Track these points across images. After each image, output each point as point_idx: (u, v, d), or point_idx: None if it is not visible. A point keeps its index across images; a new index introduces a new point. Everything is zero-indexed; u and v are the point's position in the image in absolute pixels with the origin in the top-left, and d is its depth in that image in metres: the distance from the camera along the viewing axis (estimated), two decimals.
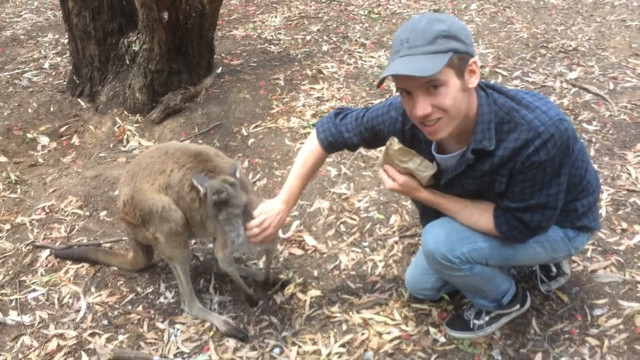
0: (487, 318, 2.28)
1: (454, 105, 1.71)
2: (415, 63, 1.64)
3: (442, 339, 2.32)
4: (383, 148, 2.01)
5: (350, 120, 2.19)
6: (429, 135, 1.80)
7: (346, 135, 2.18)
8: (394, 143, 1.92)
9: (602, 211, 2.88)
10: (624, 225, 2.79)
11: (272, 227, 2.18)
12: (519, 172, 1.79)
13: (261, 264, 2.80)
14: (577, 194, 1.99)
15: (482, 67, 4.45)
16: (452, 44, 1.64)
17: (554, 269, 2.43)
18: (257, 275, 2.70)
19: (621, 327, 2.29)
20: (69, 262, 2.91)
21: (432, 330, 2.36)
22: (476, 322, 2.28)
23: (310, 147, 2.26)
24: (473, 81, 1.73)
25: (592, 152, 3.34)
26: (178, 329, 2.50)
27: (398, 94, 1.87)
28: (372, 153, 3.54)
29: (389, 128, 2.06)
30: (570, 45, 4.72)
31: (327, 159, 3.48)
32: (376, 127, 2.10)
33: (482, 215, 1.96)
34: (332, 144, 2.22)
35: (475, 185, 1.92)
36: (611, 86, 4.03)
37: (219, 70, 4.54)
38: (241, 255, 2.80)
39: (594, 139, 3.47)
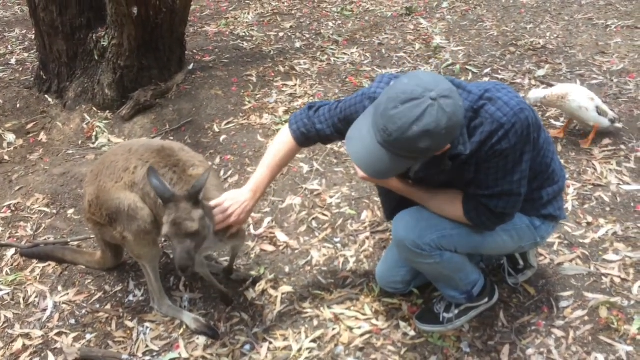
0: (456, 311, 2.31)
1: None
2: (384, 164, 1.73)
3: (412, 333, 2.34)
4: None
5: (323, 112, 2.17)
6: None
7: (319, 127, 2.17)
8: None
9: (569, 205, 2.94)
10: (590, 219, 2.85)
11: (236, 214, 2.13)
12: (484, 161, 1.85)
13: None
14: (543, 182, 2.04)
15: (452, 64, 4.50)
16: (425, 155, 1.74)
17: (521, 262, 2.47)
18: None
19: (586, 318, 2.34)
20: (35, 261, 2.85)
21: (402, 324, 2.38)
22: (446, 315, 2.31)
23: (282, 139, 2.24)
24: (437, 154, 1.80)
25: (559, 148, 3.40)
26: (147, 327, 2.47)
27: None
28: (344, 149, 3.55)
29: None
30: (539, 43, 4.80)
31: (299, 155, 3.49)
32: (350, 117, 2.08)
33: (451, 203, 2.00)
34: (305, 136, 2.19)
35: (445, 177, 1.97)
36: (578, 83, 4.11)
37: (190, 67, 4.50)
38: (212, 253, 2.78)
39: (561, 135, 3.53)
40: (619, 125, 3.43)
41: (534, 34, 5.03)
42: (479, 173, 1.89)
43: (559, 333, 2.29)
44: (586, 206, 2.94)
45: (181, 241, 1.96)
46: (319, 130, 2.17)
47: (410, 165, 1.79)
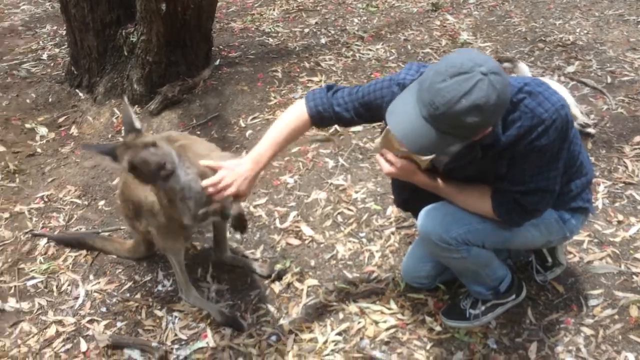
0: (483, 308, 2.30)
1: None
2: (426, 140, 1.66)
3: (438, 328, 2.34)
4: (378, 135, 2.01)
5: (341, 95, 2.09)
6: None
7: (337, 109, 2.08)
8: None
9: (599, 203, 2.90)
10: (620, 217, 2.81)
11: (236, 185, 1.99)
12: (520, 156, 1.82)
13: (258, 253, 2.81)
14: (572, 174, 2.01)
15: None
16: (471, 133, 1.67)
17: (549, 260, 2.45)
18: (252, 266, 2.70)
19: (616, 317, 2.31)
20: (67, 250, 2.91)
21: (428, 319, 2.38)
22: (472, 311, 2.30)
23: (295, 113, 2.13)
24: (476, 139, 1.75)
25: (589, 145, 3.35)
26: (176, 317, 2.51)
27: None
28: (370, 145, 3.55)
29: (389, 104, 1.97)
30: (569, 39, 4.72)
31: (324, 150, 3.51)
32: (373, 102, 2.03)
33: (480, 198, 1.97)
34: (321, 115, 2.10)
35: (476, 171, 1.94)
36: (609, 80, 4.04)
37: (217, 62, 4.54)
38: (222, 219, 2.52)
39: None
40: (591, 130, 3.38)
41: (563, 29, 4.95)
42: (513, 168, 1.86)
43: (588, 331, 2.27)
44: (617, 204, 2.90)
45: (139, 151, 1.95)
46: (337, 113, 2.09)
47: (453, 144, 1.71)
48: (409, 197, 2.24)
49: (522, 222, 2.00)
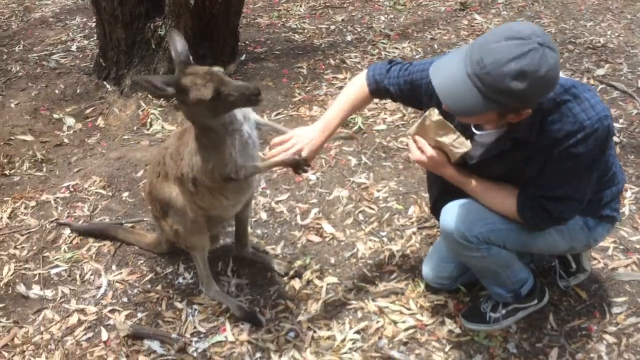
0: (503, 311, 2.27)
1: (474, 122, 1.79)
2: (463, 95, 1.62)
3: (458, 330, 2.32)
4: (417, 119, 1.97)
5: (395, 69, 2.15)
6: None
7: (386, 82, 2.14)
8: (434, 114, 1.87)
9: (625, 209, 2.85)
10: None
11: (305, 150, 2.07)
12: (553, 161, 1.78)
13: (279, 249, 2.82)
14: (604, 183, 1.97)
15: None
16: (510, 102, 1.61)
17: (573, 265, 2.41)
18: (271, 263, 2.71)
19: None
20: (91, 240, 2.96)
21: (447, 321, 2.36)
22: (492, 314, 2.28)
23: (357, 82, 2.22)
24: (514, 120, 1.72)
25: (617, 150, 3.28)
26: (196, 309, 2.53)
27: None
28: (393, 144, 3.53)
29: (428, 86, 1.97)
30: (599, 42, 4.63)
31: (347, 148, 3.50)
32: (416, 81, 2.06)
33: (505, 198, 1.94)
34: (377, 85, 2.17)
35: (505, 170, 1.91)
36: (639, 84, 3.96)
37: (242, 58, 4.57)
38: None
39: (620, 137, 3.41)
40: None
41: (593, 32, 4.86)
42: (545, 173, 1.82)
43: (610, 339, 2.23)
44: None
45: (227, 81, 1.91)
46: (386, 85, 2.15)
47: (490, 110, 1.64)
48: (437, 201, 2.23)
49: (546, 227, 1.97)
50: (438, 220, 2.21)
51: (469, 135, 1.94)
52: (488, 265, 2.11)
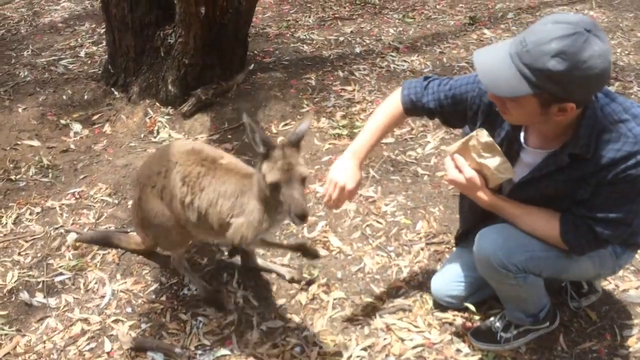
0: (515, 332, 2.24)
1: (520, 121, 1.74)
2: (501, 73, 1.59)
3: (466, 349, 2.29)
4: (459, 139, 1.93)
5: (432, 85, 2.11)
6: (501, 114, 1.78)
7: (425, 100, 2.11)
8: (483, 135, 1.82)
9: None
10: None
11: (348, 191, 2.05)
12: (608, 183, 1.72)
13: (285, 262, 2.79)
14: None
15: None
16: (548, 85, 1.56)
17: (585, 286, 2.38)
18: (282, 271, 2.69)
19: None
20: (95, 248, 2.93)
21: (455, 339, 2.33)
22: (503, 334, 2.24)
23: (391, 102, 2.19)
24: (559, 118, 1.66)
25: None
26: (200, 322, 2.50)
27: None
28: (401, 158, 3.51)
29: (474, 100, 1.96)
30: None
31: None
32: (460, 95, 2.02)
33: (547, 221, 1.87)
34: (413, 104, 2.14)
35: (554, 190, 1.84)
36: None
37: (251, 67, 4.55)
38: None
39: None
40: None
41: None
42: (598, 195, 1.76)
43: None
44: None
45: (294, 186, 1.90)
46: (424, 103, 2.12)
47: (530, 94, 1.58)
48: (465, 231, 2.19)
49: (588, 251, 1.88)
50: (460, 246, 2.16)
51: (515, 151, 1.89)
52: (519, 292, 2.06)
